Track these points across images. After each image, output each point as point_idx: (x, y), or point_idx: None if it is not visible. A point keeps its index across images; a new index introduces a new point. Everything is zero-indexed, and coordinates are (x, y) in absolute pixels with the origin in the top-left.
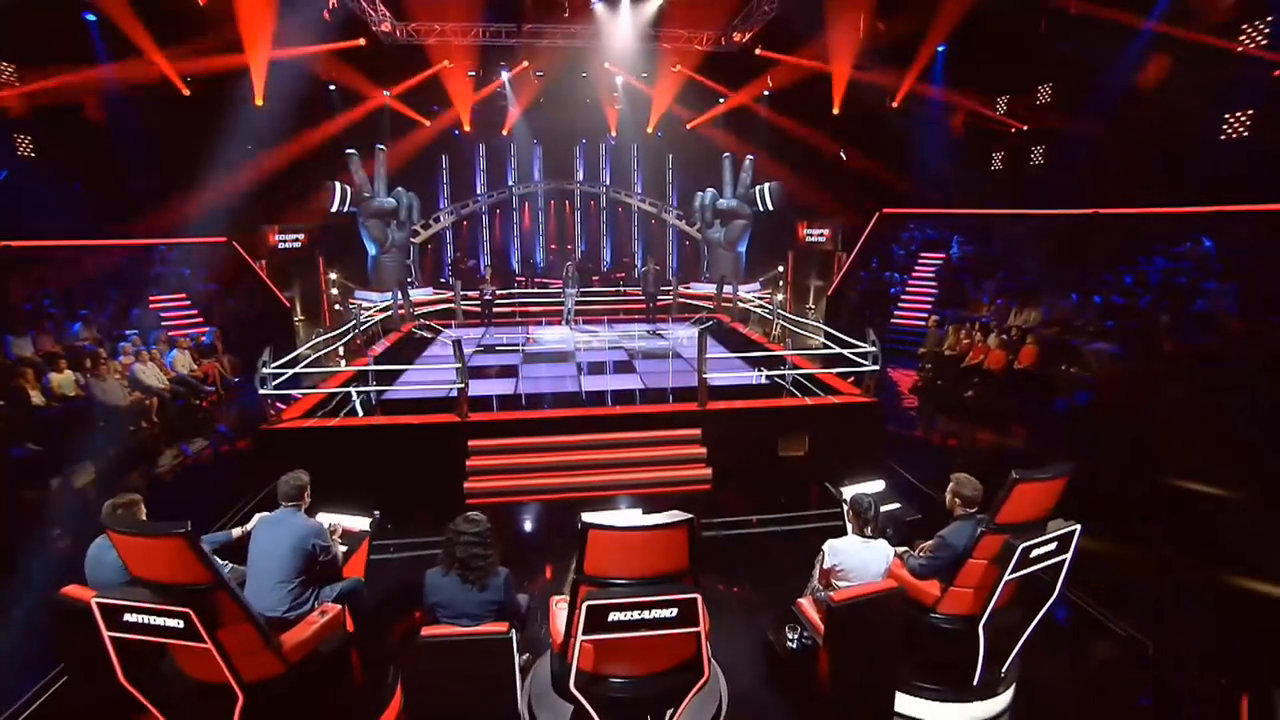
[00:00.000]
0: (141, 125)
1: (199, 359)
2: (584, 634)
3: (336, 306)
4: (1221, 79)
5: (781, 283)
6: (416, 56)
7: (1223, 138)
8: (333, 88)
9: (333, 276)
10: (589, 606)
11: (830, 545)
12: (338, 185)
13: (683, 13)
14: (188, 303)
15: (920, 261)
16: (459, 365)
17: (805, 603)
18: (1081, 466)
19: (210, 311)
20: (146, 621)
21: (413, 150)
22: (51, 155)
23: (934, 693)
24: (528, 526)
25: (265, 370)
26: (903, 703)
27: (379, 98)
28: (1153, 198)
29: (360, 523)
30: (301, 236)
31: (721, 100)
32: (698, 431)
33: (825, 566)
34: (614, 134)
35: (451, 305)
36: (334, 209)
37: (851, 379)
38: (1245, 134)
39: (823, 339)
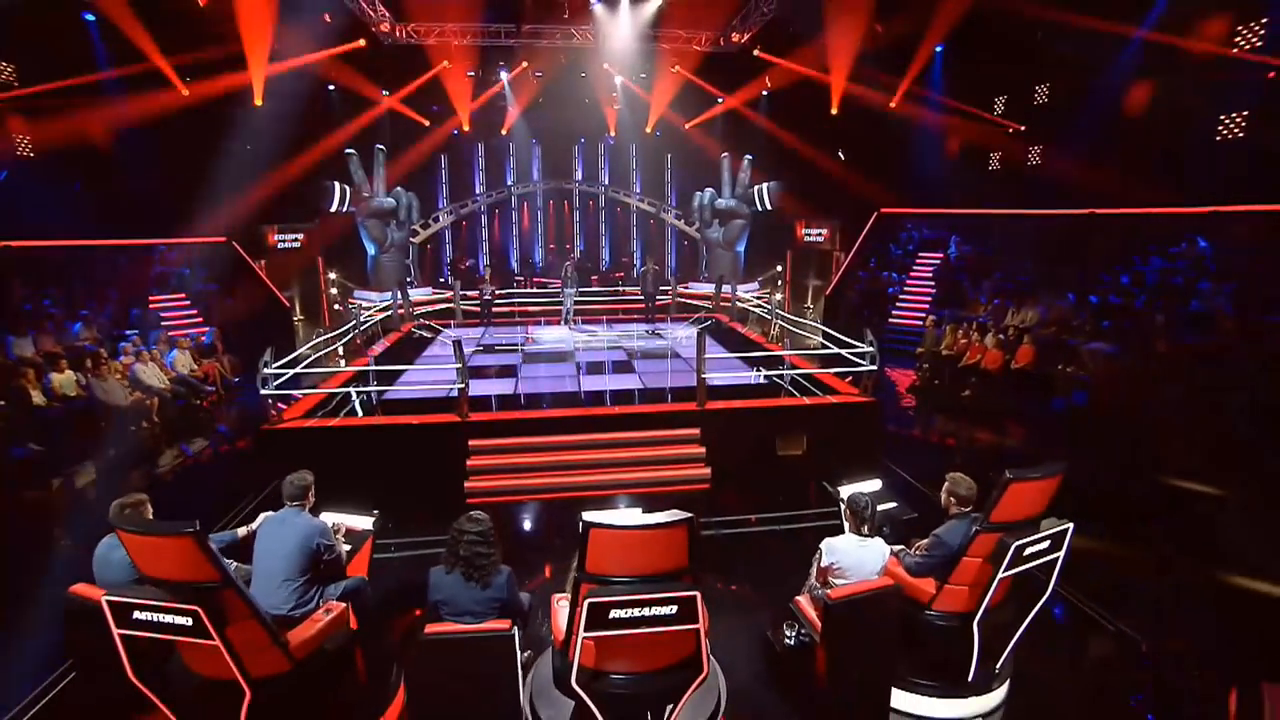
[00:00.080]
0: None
1: (199, 359)
2: (585, 631)
3: (336, 306)
4: (1217, 81)
5: (780, 282)
6: (416, 57)
7: (1219, 139)
8: (332, 88)
9: (332, 276)
10: (590, 604)
11: (827, 544)
12: (337, 185)
13: (682, 13)
14: (187, 303)
15: (918, 261)
16: (459, 365)
17: (803, 600)
18: (1078, 465)
19: (210, 311)
20: (156, 619)
21: (412, 150)
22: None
23: (930, 689)
24: (528, 526)
25: (266, 370)
26: (899, 699)
27: (382, 105)
28: (1150, 198)
29: (363, 522)
30: (301, 236)
31: (720, 100)
32: (696, 431)
33: (823, 565)
34: (613, 134)
35: (451, 305)
36: (333, 209)
37: (849, 379)
38: (1241, 135)
39: (821, 339)
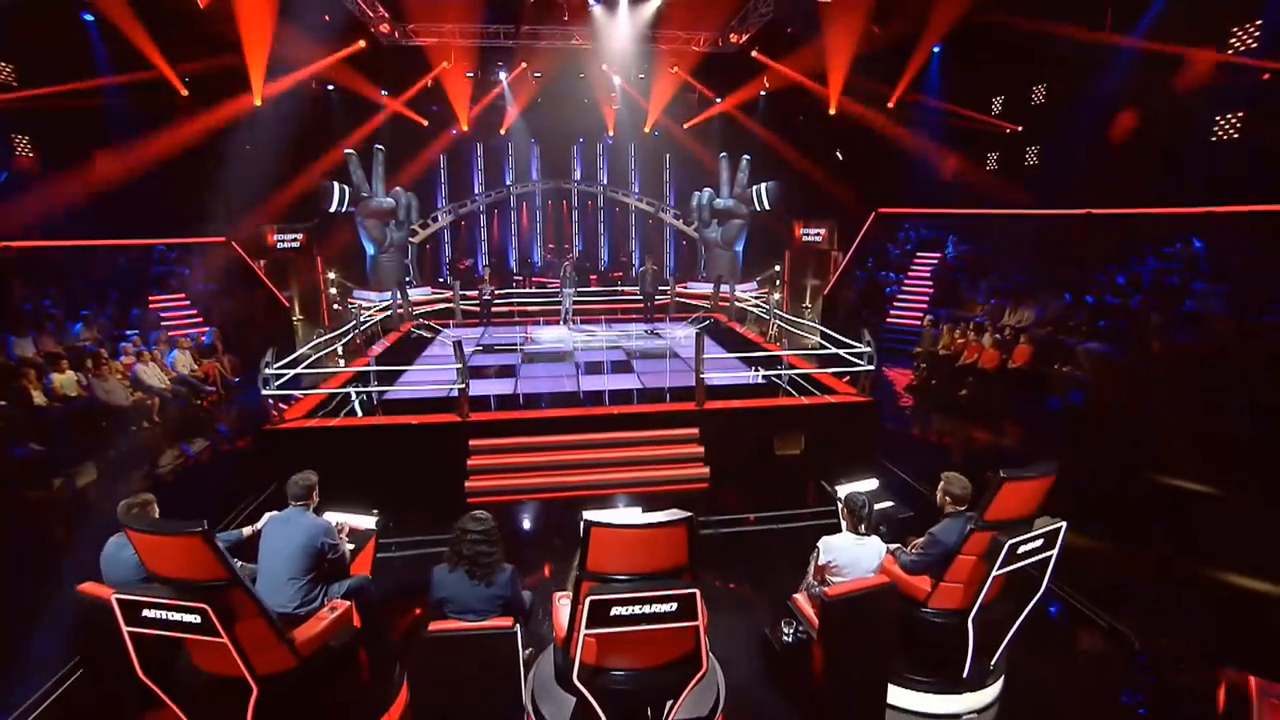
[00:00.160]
0: (140, 125)
1: (199, 359)
2: (587, 628)
3: (335, 306)
4: (1213, 83)
5: (778, 282)
6: (415, 57)
7: (1214, 139)
8: (331, 88)
9: (331, 276)
10: (592, 601)
11: (825, 542)
12: (336, 185)
13: (680, 14)
14: (187, 303)
15: (916, 261)
16: (459, 365)
17: (801, 598)
18: (1074, 465)
19: (210, 311)
20: (165, 617)
21: (411, 150)
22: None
23: (925, 684)
24: (528, 525)
25: (268, 371)
26: (895, 694)
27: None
28: (1146, 198)
29: (367, 521)
30: (300, 236)
31: (718, 100)
32: (695, 431)
33: (820, 563)
34: (611, 133)
35: (450, 305)
36: (333, 209)
37: (847, 378)
38: (1236, 135)
39: (819, 339)
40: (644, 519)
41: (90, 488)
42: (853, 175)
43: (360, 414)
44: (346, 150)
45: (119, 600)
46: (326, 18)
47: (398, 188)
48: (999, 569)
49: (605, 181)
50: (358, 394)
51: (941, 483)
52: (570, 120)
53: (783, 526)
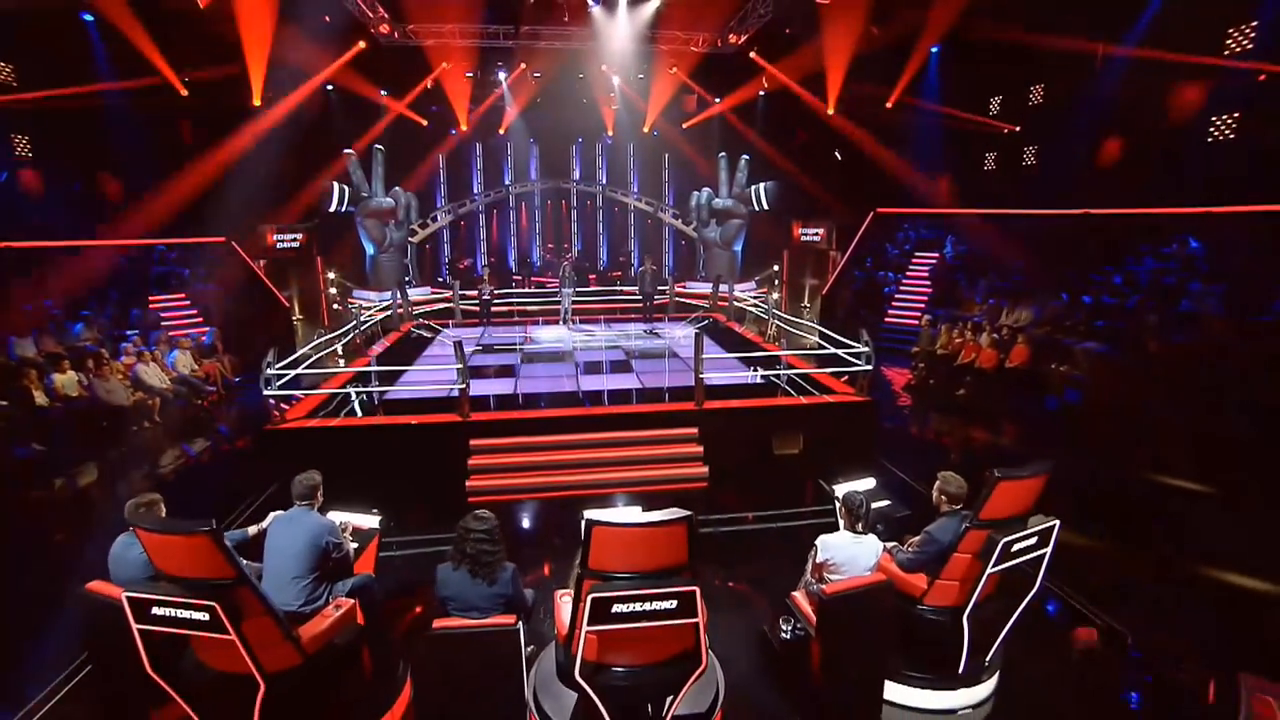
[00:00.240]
0: (140, 125)
1: (200, 359)
2: (589, 625)
3: (335, 306)
4: (1208, 85)
5: (777, 281)
6: (414, 58)
7: (1210, 139)
8: (330, 88)
9: (331, 276)
10: (593, 599)
11: (823, 540)
12: (336, 185)
13: (679, 14)
14: (187, 303)
15: (914, 261)
16: (460, 366)
17: (799, 596)
18: (1071, 464)
19: (209, 312)
20: (174, 614)
21: (410, 150)
22: (51, 155)
23: (921, 680)
24: (528, 524)
25: (270, 371)
26: (892, 690)
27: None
28: (1144, 199)
29: (370, 521)
30: (300, 236)
31: (717, 100)
32: (695, 430)
33: (818, 561)
34: (610, 133)
35: (450, 305)
36: (333, 209)
37: (845, 378)
38: (1232, 136)
39: (817, 338)
40: (644, 518)
41: (92, 487)
42: (851, 175)
43: (361, 414)
44: (346, 150)
45: (129, 598)
46: (327, 19)
47: (397, 188)
48: (993, 566)
49: (604, 181)
50: (358, 394)
51: (938, 482)
52: (569, 120)
53: (781, 525)
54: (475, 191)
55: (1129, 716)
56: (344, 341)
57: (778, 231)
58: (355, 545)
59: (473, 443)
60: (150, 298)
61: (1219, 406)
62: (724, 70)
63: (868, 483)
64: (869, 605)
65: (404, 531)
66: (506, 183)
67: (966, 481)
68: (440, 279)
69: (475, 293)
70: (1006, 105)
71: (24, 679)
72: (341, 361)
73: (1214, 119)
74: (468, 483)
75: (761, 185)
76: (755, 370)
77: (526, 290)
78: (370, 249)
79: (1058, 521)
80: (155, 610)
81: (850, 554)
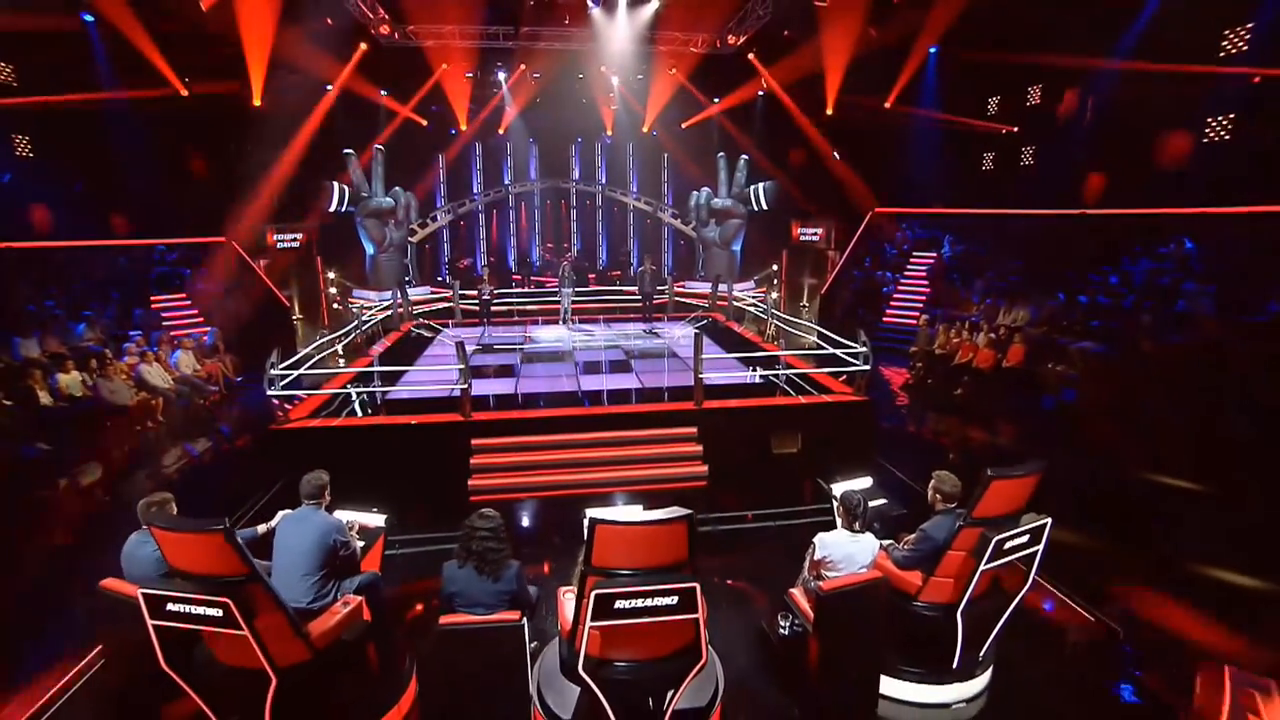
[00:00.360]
0: (140, 125)
1: (202, 359)
2: (592, 621)
3: (335, 306)
4: (1204, 88)
5: (776, 281)
6: (414, 58)
7: (1205, 140)
8: (330, 88)
9: (331, 276)
10: (597, 595)
11: (820, 539)
12: (336, 185)
13: (679, 15)
14: (188, 303)
15: (912, 261)
16: (462, 366)
17: (797, 593)
18: (1067, 462)
19: (210, 312)
20: (188, 610)
21: (410, 150)
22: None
23: (916, 675)
24: (529, 523)
25: (273, 371)
26: (888, 685)
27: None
28: (1140, 199)
29: (376, 520)
30: (300, 236)
31: (716, 101)
32: (694, 430)
33: (815, 559)
34: (610, 133)
35: (450, 304)
36: (332, 209)
37: (843, 378)
38: (1228, 137)
39: (816, 338)
40: (646, 516)
41: (98, 486)
42: (850, 175)
43: (363, 414)
44: (346, 150)
45: (145, 595)
46: (330, 20)
47: (397, 187)
48: (986, 564)
49: (604, 181)
50: (360, 394)
51: (933, 481)
52: (569, 120)
53: (780, 523)
54: (475, 191)
55: (1119, 709)
56: (345, 341)
57: (776, 231)
58: (362, 544)
59: (474, 442)
60: (151, 298)
61: (1213, 406)
62: (724, 70)
63: (865, 482)
64: (865, 602)
65: (406, 530)
66: (506, 182)
67: (963, 480)
68: (440, 279)
69: (475, 292)
70: (1004, 105)
71: (36, 675)
72: (342, 361)
73: (1209, 119)
74: (469, 482)
75: (760, 185)
76: (754, 370)
77: (526, 290)
78: (370, 249)
79: (1049, 519)
80: (170, 606)
81: (847, 552)
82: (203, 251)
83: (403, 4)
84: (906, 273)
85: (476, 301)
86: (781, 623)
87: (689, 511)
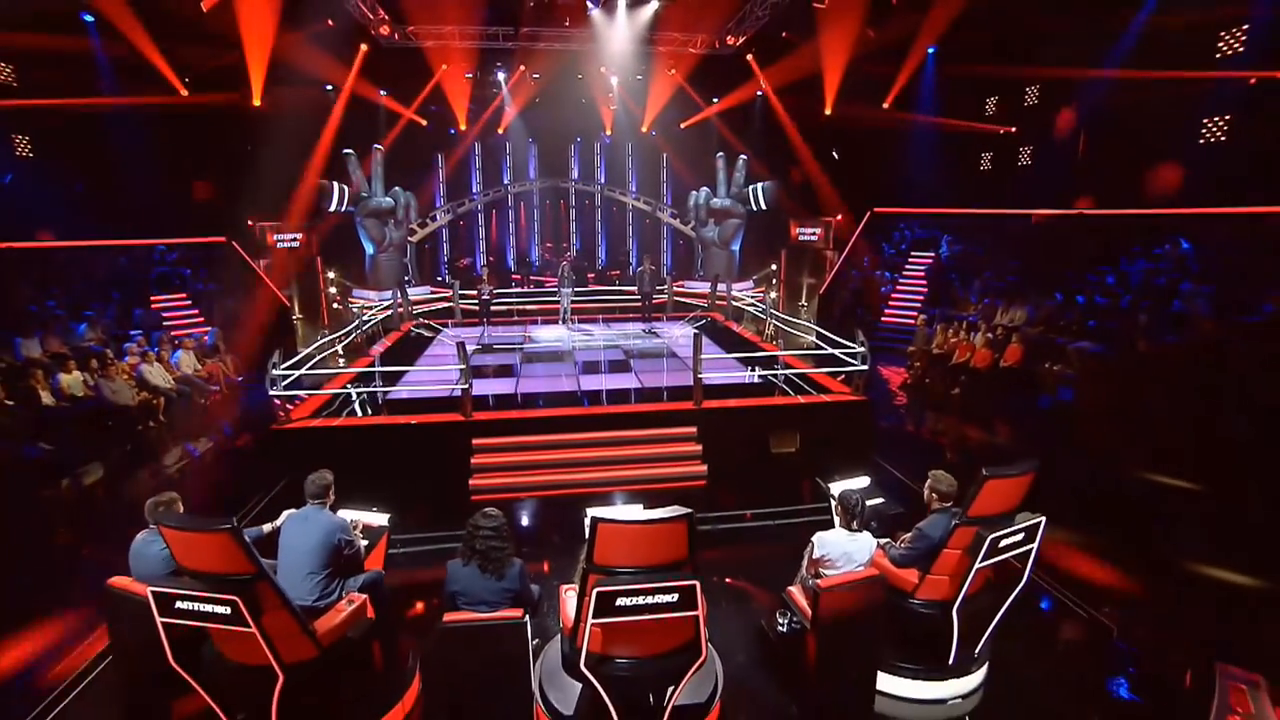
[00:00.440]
0: (140, 125)
1: (203, 359)
2: (594, 618)
3: (335, 305)
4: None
5: (774, 281)
6: (414, 59)
7: (1201, 141)
8: (329, 88)
9: (331, 276)
10: (598, 593)
11: (818, 537)
12: (335, 185)
13: (678, 16)
14: (189, 303)
15: (911, 260)
16: (463, 366)
17: (795, 590)
18: (1064, 462)
19: (210, 311)
20: (197, 608)
21: (409, 149)
22: (51, 156)
23: (913, 671)
24: (530, 522)
25: (275, 371)
26: (884, 681)
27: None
28: (1138, 199)
29: (380, 519)
30: (300, 236)
31: (715, 100)
32: (693, 429)
33: (814, 557)
34: (609, 133)
35: (449, 304)
36: (332, 209)
37: (842, 378)
38: (1224, 138)
39: (814, 338)
40: (646, 515)
41: (100, 486)
42: (849, 175)
43: (364, 414)
44: (345, 150)
45: (154, 593)
46: (330, 22)
47: (396, 187)
48: (981, 562)
49: (603, 181)
50: (361, 394)
51: (929, 480)
52: (568, 120)
53: (778, 522)
54: (474, 191)
55: (1112, 705)
56: (346, 341)
57: (775, 231)
58: (366, 542)
59: (475, 442)
60: (152, 298)
61: (1210, 406)
62: (724, 70)
63: (862, 481)
64: (862, 599)
65: (407, 530)
66: (505, 182)
67: (960, 479)
68: (440, 278)
69: (475, 292)
70: (1002, 106)
71: (42, 673)
72: (343, 361)
73: (1205, 120)
74: (470, 481)
75: (759, 185)
76: (753, 370)
77: (525, 290)
78: (370, 249)
79: (1043, 518)
80: (180, 604)
81: (845, 550)
82: (203, 251)
83: (403, 4)
84: (904, 272)
85: (476, 301)
86: (780, 620)
87: (689, 511)
